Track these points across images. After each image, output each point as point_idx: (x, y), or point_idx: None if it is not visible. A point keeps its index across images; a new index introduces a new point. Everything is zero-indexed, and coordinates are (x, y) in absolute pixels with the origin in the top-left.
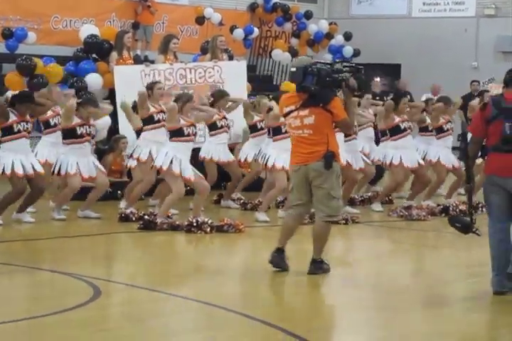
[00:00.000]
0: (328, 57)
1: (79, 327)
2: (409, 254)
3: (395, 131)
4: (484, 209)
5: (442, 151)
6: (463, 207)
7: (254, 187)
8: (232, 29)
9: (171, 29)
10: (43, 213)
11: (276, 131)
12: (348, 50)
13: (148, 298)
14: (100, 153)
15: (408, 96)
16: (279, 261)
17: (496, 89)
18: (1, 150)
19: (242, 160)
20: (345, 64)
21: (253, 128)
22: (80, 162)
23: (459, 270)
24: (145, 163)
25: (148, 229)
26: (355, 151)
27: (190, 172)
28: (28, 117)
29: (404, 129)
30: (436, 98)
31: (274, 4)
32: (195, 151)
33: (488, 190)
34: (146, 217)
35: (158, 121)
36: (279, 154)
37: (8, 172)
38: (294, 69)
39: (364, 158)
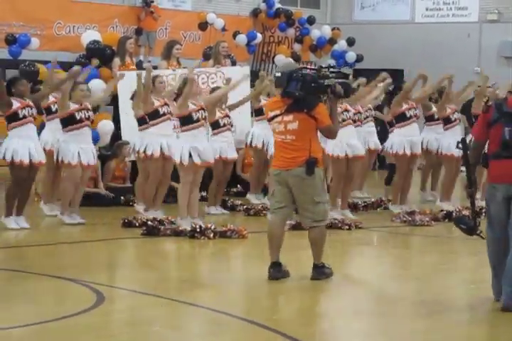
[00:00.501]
0: (331, 63)
1: (82, 333)
2: (412, 260)
3: (401, 119)
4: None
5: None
6: (466, 213)
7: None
8: (235, 35)
9: (173, 35)
10: (44, 218)
11: None
12: (350, 56)
13: (152, 304)
14: (103, 159)
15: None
16: (278, 275)
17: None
18: (10, 138)
19: (252, 144)
20: (331, 70)
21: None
22: (80, 149)
23: (461, 275)
24: (156, 160)
25: (152, 235)
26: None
27: (210, 157)
28: (30, 103)
29: (410, 117)
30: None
31: (277, 10)
32: None
33: (490, 200)
34: (149, 222)
35: (164, 114)
36: None
37: (17, 160)
38: (278, 74)
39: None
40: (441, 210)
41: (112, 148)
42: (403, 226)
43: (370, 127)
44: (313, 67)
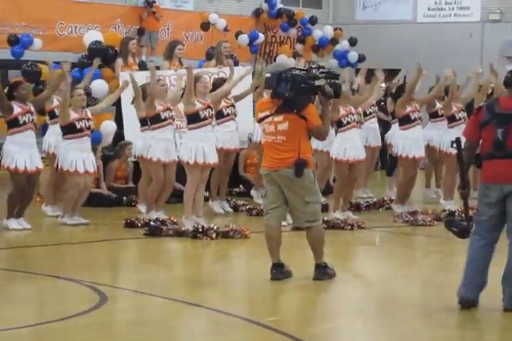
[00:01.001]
0: (333, 63)
1: (85, 333)
2: (415, 260)
3: (406, 121)
4: None
5: None
6: (471, 213)
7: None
8: (237, 35)
9: (176, 35)
10: (46, 218)
11: None
12: (353, 56)
13: (155, 304)
14: (106, 159)
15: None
16: (280, 276)
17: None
18: (8, 144)
19: (256, 140)
20: (321, 70)
21: None
22: (79, 157)
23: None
24: (156, 164)
25: (154, 235)
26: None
27: (211, 159)
28: (32, 108)
29: (415, 119)
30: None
31: (279, 10)
32: None
33: (481, 201)
34: (151, 223)
35: (165, 119)
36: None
37: (12, 166)
38: (268, 74)
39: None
40: (444, 210)
41: (115, 149)
42: (405, 226)
43: (373, 123)
44: (302, 68)
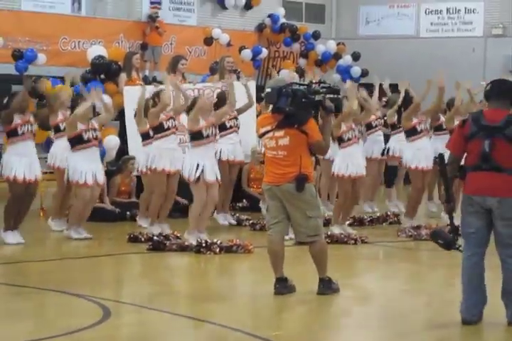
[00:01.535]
0: (336, 77)
1: None
2: (419, 274)
3: (412, 133)
4: None
5: None
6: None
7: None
8: (240, 50)
9: (179, 50)
10: (51, 233)
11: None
12: (356, 70)
13: (158, 319)
14: (109, 174)
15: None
16: (284, 291)
17: None
18: (8, 154)
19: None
20: (322, 85)
21: None
22: (89, 168)
23: None
24: (160, 174)
25: (158, 250)
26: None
27: (212, 177)
28: (31, 119)
29: (421, 131)
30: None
31: (282, 25)
32: None
33: (466, 212)
34: (155, 237)
35: (168, 128)
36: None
37: (11, 176)
38: (269, 90)
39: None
40: (448, 225)
41: (118, 163)
42: (409, 241)
43: (378, 136)
44: (303, 83)
